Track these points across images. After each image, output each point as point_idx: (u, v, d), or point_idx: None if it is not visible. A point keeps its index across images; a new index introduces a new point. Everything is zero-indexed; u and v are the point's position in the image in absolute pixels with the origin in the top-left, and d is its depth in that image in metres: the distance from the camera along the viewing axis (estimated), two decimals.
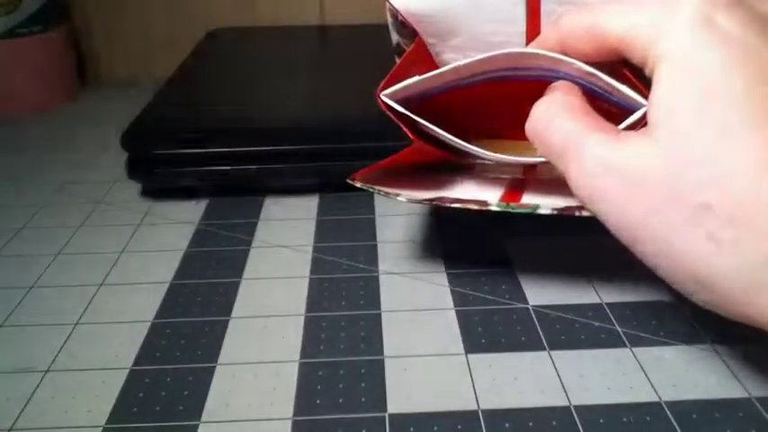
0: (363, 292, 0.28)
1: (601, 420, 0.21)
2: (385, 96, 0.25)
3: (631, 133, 0.20)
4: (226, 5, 0.61)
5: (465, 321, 0.26)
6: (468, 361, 0.24)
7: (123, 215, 0.36)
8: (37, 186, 0.39)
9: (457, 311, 0.27)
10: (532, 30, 0.27)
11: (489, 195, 0.27)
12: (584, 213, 0.25)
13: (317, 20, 0.62)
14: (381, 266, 0.30)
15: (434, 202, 0.26)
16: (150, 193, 0.38)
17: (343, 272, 0.30)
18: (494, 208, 0.26)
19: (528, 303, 0.27)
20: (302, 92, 0.43)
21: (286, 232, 0.33)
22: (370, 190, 0.27)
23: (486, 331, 0.26)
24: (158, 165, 0.37)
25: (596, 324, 0.26)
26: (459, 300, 0.28)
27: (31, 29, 0.52)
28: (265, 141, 0.36)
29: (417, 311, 0.27)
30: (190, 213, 0.36)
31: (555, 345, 0.25)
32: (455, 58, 0.28)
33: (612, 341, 0.25)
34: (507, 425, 0.21)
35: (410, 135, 0.25)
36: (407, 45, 0.29)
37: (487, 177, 0.29)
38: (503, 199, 0.27)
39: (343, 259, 0.31)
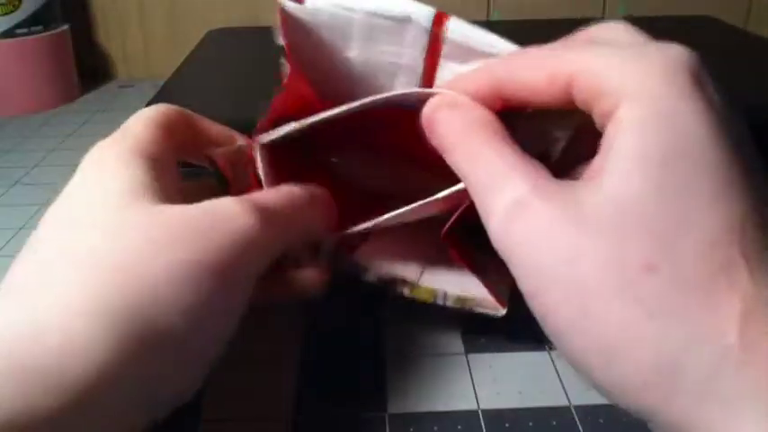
0: (364, 293, 0.28)
1: (600, 420, 0.21)
2: (263, 142, 0.23)
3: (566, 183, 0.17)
4: (226, 5, 0.61)
5: (464, 321, 0.26)
6: (468, 361, 0.24)
7: None
8: (37, 186, 0.39)
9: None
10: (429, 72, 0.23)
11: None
12: (406, 292, 0.24)
13: None
14: None
15: None
16: None
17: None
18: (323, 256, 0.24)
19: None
20: None
21: None
22: None
23: (487, 331, 0.26)
24: None
25: None
26: None
27: (31, 29, 0.52)
28: None
29: (418, 311, 0.27)
30: None
31: None
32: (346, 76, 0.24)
33: None
34: (507, 425, 0.21)
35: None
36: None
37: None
38: (339, 244, 0.24)
39: None
